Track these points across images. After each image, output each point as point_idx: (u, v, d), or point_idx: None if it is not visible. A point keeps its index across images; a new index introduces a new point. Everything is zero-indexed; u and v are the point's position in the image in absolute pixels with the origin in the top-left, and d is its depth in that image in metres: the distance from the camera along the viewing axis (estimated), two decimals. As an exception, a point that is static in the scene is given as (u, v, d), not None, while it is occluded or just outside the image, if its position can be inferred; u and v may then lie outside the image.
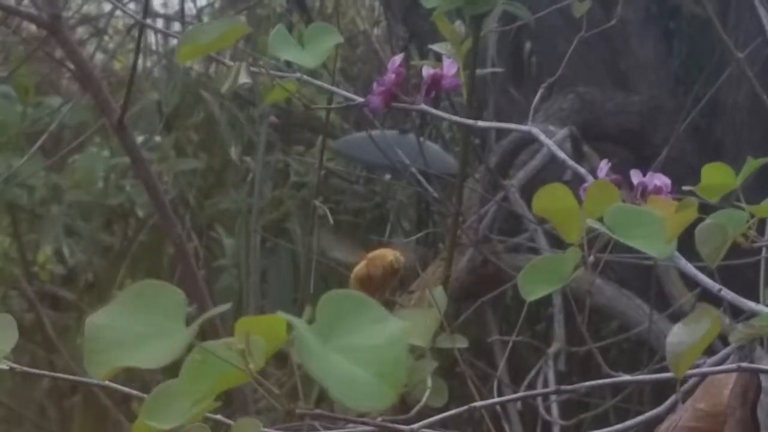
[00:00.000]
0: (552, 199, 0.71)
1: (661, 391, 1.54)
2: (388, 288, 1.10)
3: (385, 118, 2.07)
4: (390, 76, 0.90)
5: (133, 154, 1.03)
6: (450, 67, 0.92)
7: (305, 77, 0.92)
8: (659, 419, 0.79)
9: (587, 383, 0.76)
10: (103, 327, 0.53)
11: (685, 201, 0.73)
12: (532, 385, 1.68)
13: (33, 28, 2.35)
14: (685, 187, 0.83)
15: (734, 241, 0.78)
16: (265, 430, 0.60)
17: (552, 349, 1.70)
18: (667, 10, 2.29)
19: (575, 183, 0.80)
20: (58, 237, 2.51)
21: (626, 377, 0.74)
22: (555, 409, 1.56)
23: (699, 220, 0.74)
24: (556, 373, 1.67)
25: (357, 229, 2.60)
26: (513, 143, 1.92)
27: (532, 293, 0.70)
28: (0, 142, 2.33)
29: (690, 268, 0.78)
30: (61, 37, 1.02)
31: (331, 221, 1.58)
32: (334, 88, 1.02)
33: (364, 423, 0.68)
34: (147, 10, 1.47)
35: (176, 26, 2.86)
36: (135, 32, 2.54)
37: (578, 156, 1.77)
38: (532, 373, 1.71)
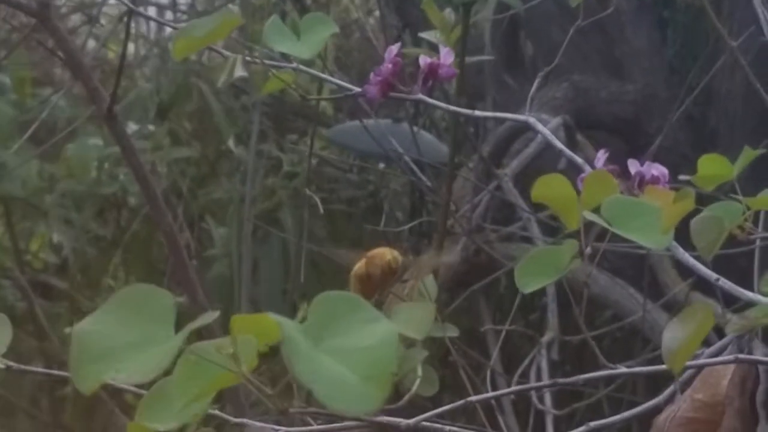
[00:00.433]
0: (550, 188, 0.70)
1: (655, 380, 1.54)
2: (388, 287, 1.10)
3: (379, 107, 2.07)
4: (387, 66, 0.90)
5: (123, 143, 1.02)
6: (447, 56, 0.91)
7: (301, 67, 0.91)
8: (657, 410, 0.79)
9: (584, 376, 0.75)
10: (92, 333, 0.52)
11: (682, 191, 0.72)
12: (525, 375, 1.68)
13: (24, 16, 2.34)
14: (682, 177, 0.82)
15: (730, 232, 0.77)
16: (260, 424, 0.60)
17: (545, 339, 1.70)
18: (661, -1, 2.29)
19: (569, 172, 0.79)
20: (51, 226, 2.50)
21: (623, 369, 0.73)
22: (548, 398, 1.56)
23: (695, 211, 0.74)
24: (549, 363, 1.67)
25: (350, 218, 2.60)
26: (507, 131, 1.92)
27: (528, 285, 0.70)
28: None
29: (687, 258, 0.78)
30: (51, 26, 1.01)
31: (322, 210, 1.57)
32: (331, 78, 1.01)
33: (358, 417, 0.68)
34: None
35: (169, 15, 2.85)
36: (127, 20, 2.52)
37: (572, 145, 1.77)
38: (526, 362, 1.71)
